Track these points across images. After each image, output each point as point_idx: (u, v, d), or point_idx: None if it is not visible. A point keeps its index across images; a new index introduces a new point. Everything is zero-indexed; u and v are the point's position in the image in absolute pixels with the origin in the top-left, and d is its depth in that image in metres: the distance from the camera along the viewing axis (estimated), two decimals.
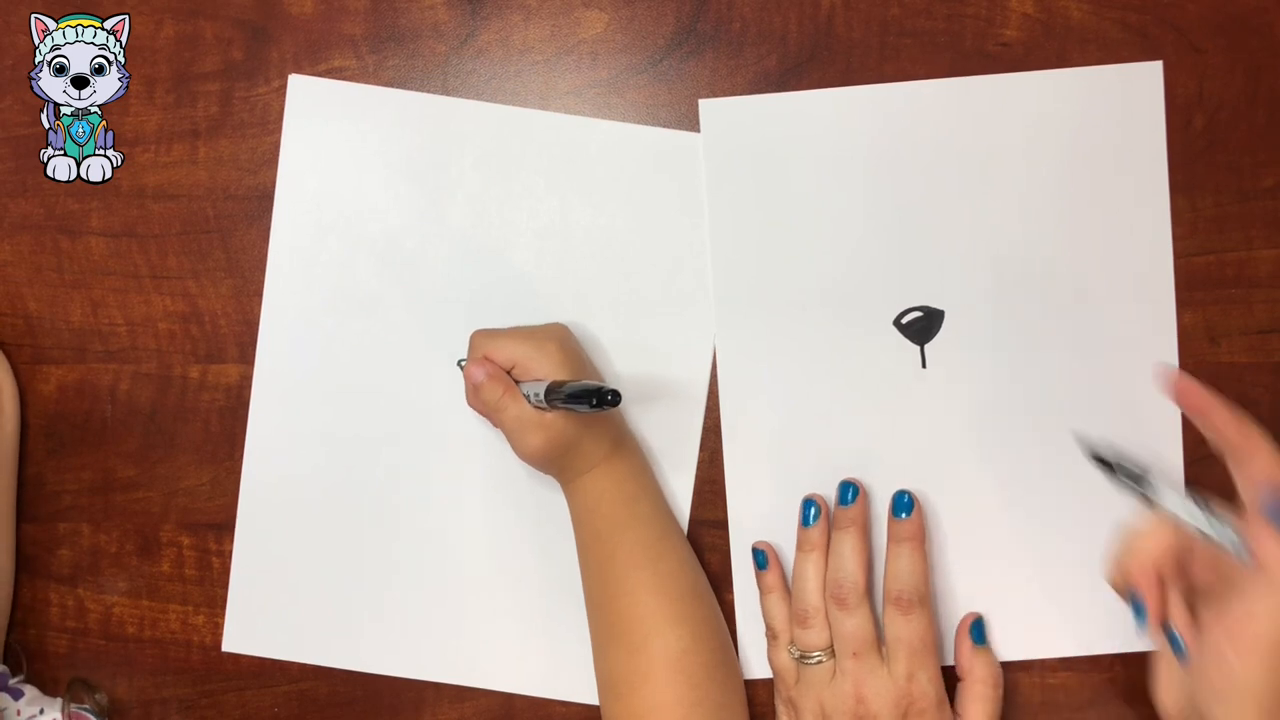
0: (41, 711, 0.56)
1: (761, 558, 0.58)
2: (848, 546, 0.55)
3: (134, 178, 0.60)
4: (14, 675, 0.58)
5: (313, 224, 0.60)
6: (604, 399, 0.47)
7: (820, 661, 0.54)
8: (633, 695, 0.53)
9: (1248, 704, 0.43)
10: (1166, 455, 0.57)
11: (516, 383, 0.54)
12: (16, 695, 0.56)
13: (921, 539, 0.56)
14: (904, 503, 0.56)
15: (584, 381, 0.49)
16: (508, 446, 0.55)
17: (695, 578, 0.56)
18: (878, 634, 0.55)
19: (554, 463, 0.54)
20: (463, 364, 0.59)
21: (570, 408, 0.50)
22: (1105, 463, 0.50)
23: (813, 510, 0.57)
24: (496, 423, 0.54)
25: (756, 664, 0.58)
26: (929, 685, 0.54)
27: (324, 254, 0.60)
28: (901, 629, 0.54)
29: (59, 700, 0.57)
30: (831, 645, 0.54)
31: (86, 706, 0.57)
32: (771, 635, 0.57)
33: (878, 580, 0.57)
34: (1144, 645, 0.57)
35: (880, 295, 0.58)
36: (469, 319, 0.58)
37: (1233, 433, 0.48)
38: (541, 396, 0.51)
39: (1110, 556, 0.49)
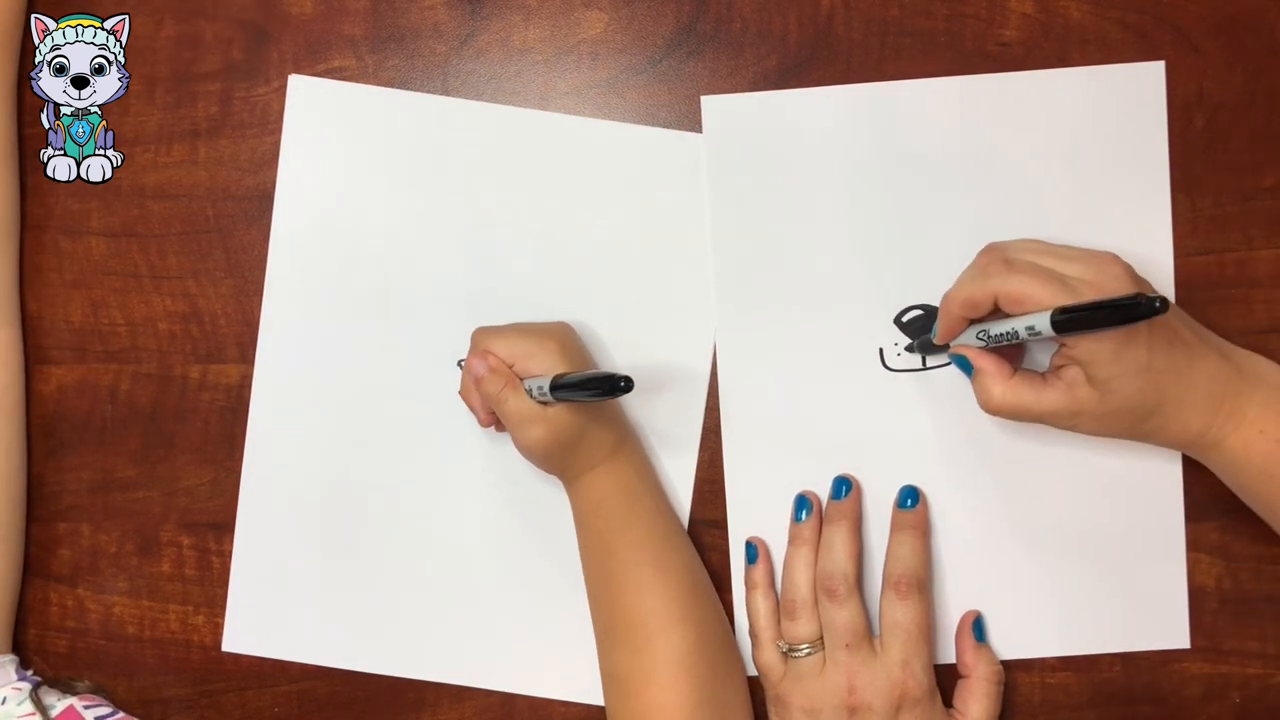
0: (53, 704, 0.56)
1: (752, 552, 0.58)
2: (839, 539, 0.55)
3: (134, 178, 0.60)
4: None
5: (313, 224, 0.60)
6: (615, 386, 0.45)
7: (809, 654, 0.54)
8: (638, 695, 0.53)
9: None
10: (1165, 457, 0.57)
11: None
12: (35, 684, 0.56)
13: (925, 529, 0.56)
14: (910, 495, 0.57)
15: (593, 370, 0.48)
16: (508, 447, 0.55)
17: (698, 576, 0.56)
18: (869, 627, 0.55)
19: (556, 459, 0.54)
20: (462, 364, 0.59)
21: (577, 398, 0.49)
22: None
23: (805, 505, 0.57)
24: (499, 416, 0.54)
25: None
26: (923, 674, 0.54)
27: (324, 254, 0.60)
28: (899, 613, 0.54)
29: (65, 695, 0.57)
30: (819, 638, 0.54)
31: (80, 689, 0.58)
32: (753, 635, 0.57)
33: (869, 577, 0.57)
34: (1144, 645, 0.57)
35: (880, 294, 0.58)
36: (469, 319, 0.58)
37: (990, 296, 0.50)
38: (545, 390, 0.51)
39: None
